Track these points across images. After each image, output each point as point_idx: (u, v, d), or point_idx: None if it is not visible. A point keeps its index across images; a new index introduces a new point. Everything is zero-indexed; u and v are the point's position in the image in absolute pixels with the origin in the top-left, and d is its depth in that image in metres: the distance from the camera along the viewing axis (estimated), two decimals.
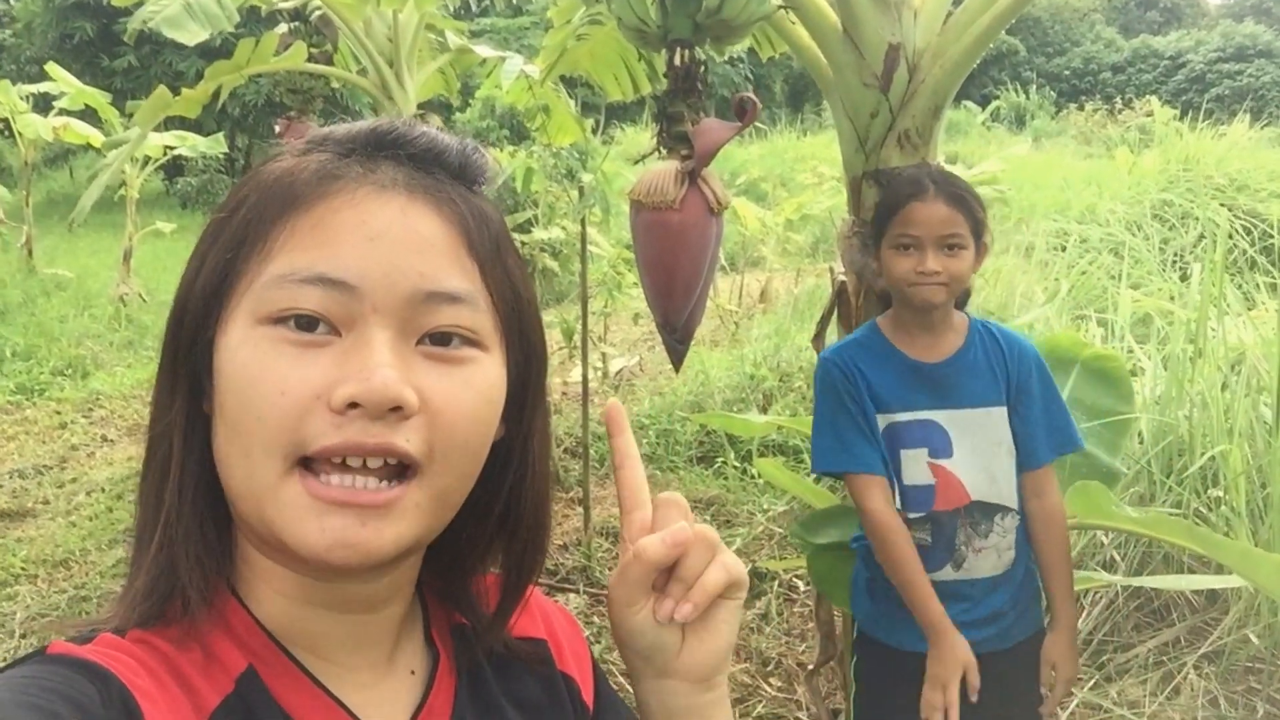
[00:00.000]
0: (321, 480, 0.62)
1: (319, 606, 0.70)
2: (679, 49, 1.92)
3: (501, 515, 0.76)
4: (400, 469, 0.64)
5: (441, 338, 0.66)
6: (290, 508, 0.62)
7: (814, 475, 2.47)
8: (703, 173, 1.90)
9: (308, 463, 0.62)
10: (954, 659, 1.89)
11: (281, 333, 0.63)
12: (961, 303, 2.08)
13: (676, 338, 1.97)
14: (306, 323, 0.63)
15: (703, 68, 1.94)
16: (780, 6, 2.23)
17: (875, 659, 2.11)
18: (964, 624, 1.95)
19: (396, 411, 0.62)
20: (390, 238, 0.65)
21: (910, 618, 1.98)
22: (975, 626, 1.96)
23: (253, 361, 0.63)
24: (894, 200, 1.94)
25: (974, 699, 1.91)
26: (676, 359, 2.01)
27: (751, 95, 1.88)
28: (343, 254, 0.63)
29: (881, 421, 1.98)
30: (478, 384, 0.67)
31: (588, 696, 0.85)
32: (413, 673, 0.76)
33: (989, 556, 1.96)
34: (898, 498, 1.98)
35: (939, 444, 1.95)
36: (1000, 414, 1.97)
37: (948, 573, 1.96)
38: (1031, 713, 2.04)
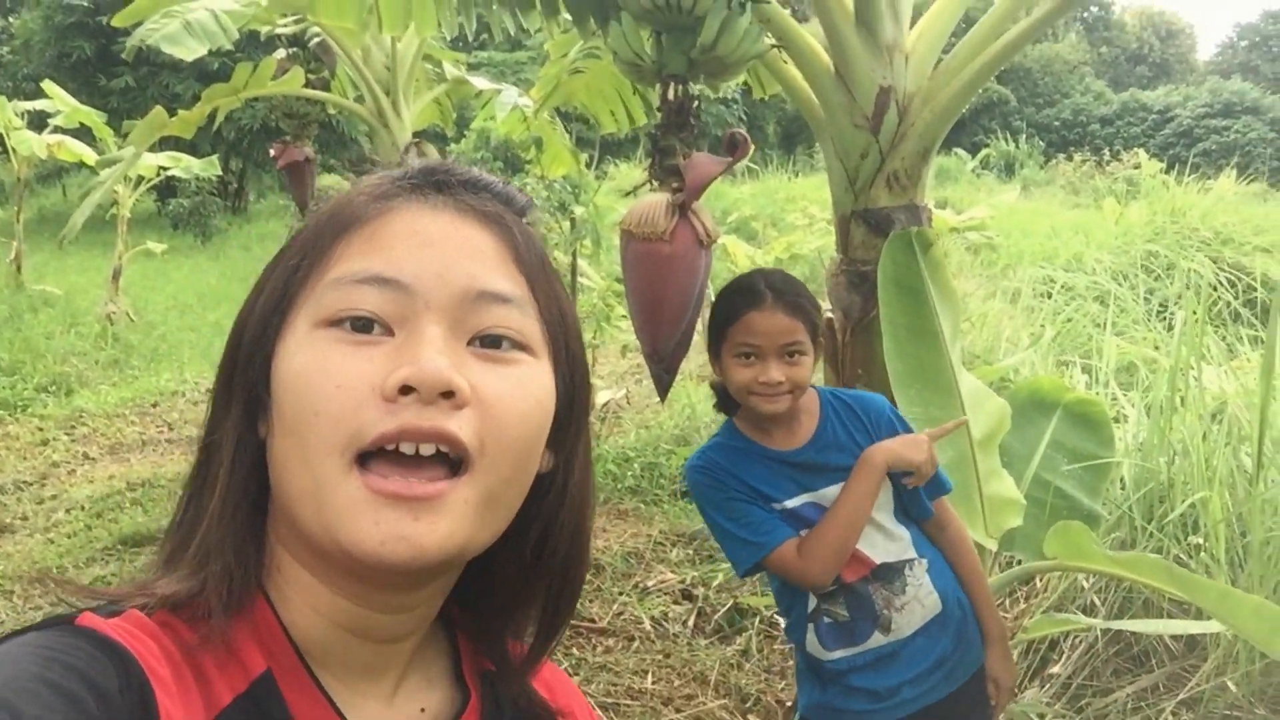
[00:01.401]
0: (378, 474, 0.63)
1: (345, 629, 0.70)
2: (673, 84, 1.95)
3: (538, 543, 0.76)
4: (452, 464, 0.65)
5: (492, 340, 0.68)
6: (348, 506, 0.63)
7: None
8: (693, 206, 1.93)
9: (365, 460, 0.63)
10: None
11: (338, 334, 0.65)
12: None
13: (663, 367, 1.98)
14: (363, 324, 0.65)
15: (696, 103, 1.97)
16: (774, 45, 2.26)
17: None
18: (913, 680, 1.94)
19: (449, 398, 0.63)
20: (441, 242, 0.68)
21: (856, 694, 1.96)
22: (923, 678, 1.95)
23: (311, 360, 0.65)
24: (731, 310, 1.89)
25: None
26: (662, 388, 2.02)
27: (743, 131, 1.92)
28: (397, 257, 0.67)
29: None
30: (528, 385, 0.69)
31: None
32: (422, 710, 0.75)
33: (914, 609, 1.95)
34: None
35: None
36: None
37: (878, 639, 1.94)
38: None
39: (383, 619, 0.71)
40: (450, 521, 0.64)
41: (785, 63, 2.53)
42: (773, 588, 2.10)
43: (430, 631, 0.77)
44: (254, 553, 0.69)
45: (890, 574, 1.95)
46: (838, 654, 1.97)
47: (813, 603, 1.99)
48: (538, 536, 0.76)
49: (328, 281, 0.67)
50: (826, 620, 1.97)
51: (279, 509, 0.69)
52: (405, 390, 0.62)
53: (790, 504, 1.95)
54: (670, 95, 1.95)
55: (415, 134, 5.72)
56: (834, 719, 2.02)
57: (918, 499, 2.01)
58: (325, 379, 0.64)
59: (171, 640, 0.64)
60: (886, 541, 1.96)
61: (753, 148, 2.01)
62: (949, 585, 2.01)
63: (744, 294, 1.90)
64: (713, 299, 2.02)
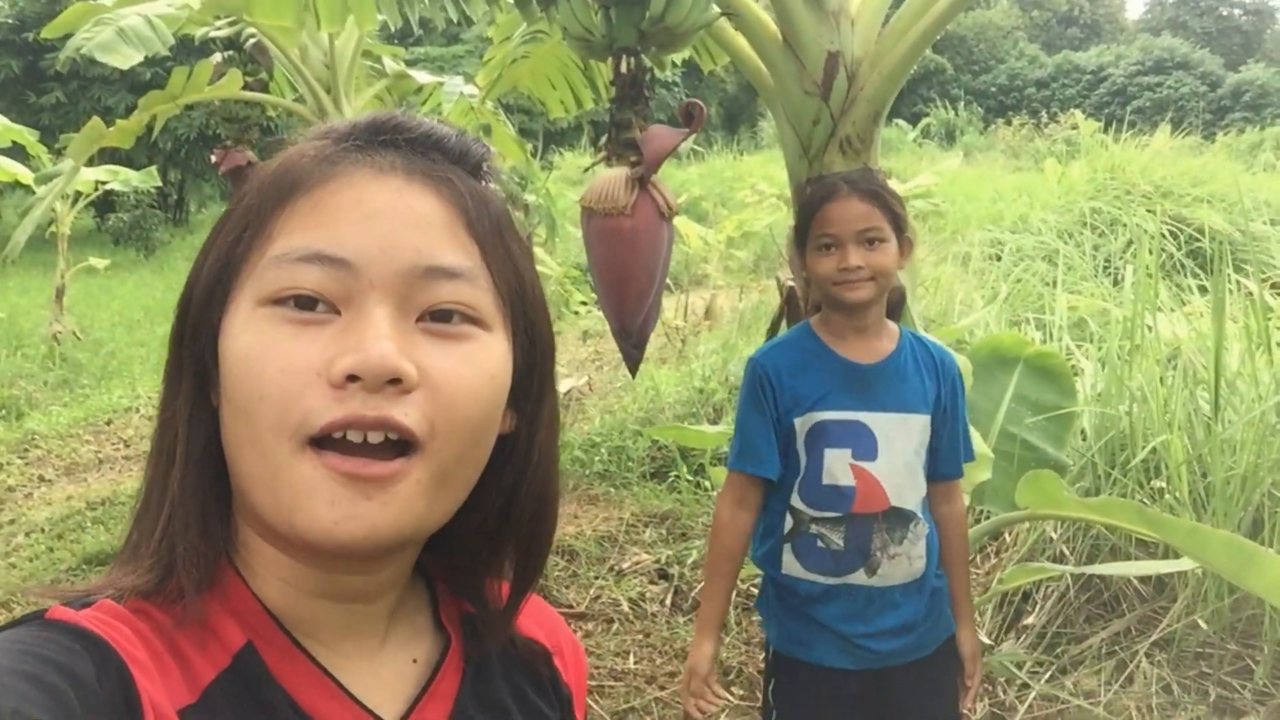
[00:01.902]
0: (332, 448, 0.62)
1: (318, 596, 0.70)
2: (625, 57, 1.94)
3: (505, 506, 0.76)
4: (402, 446, 0.63)
5: (442, 315, 0.66)
6: (303, 487, 0.62)
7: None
8: (652, 179, 1.93)
9: (317, 443, 0.62)
10: (700, 668, 2.03)
11: (282, 313, 0.63)
12: (894, 313, 2.09)
13: (632, 343, 1.98)
14: (306, 302, 0.63)
15: (649, 74, 1.97)
16: (722, 14, 2.26)
17: (791, 678, 2.06)
18: (880, 633, 1.95)
19: (395, 385, 0.62)
20: (387, 215, 0.65)
21: (824, 633, 1.97)
22: (892, 635, 1.96)
23: (255, 343, 0.63)
24: (810, 206, 1.95)
25: (694, 713, 2.05)
26: (632, 364, 2.02)
27: (699, 101, 1.91)
28: (339, 232, 0.64)
29: (809, 421, 1.95)
30: (479, 361, 0.67)
31: (579, 713, 0.86)
32: (414, 660, 0.75)
33: (901, 563, 1.95)
34: (814, 497, 1.95)
35: (864, 446, 1.93)
36: (923, 423, 1.97)
37: (860, 577, 1.94)
38: (954, 708, 2.08)
39: (353, 581, 0.70)
40: (403, 500, 0.63)
41: (733, 31, 2.53)
42: (764, 506, 2.07)
43: (410, 582, 0.77)
44: (220, 529, 0.68)
45: (899, 520, 1.95)
46: (814, 577, 1.96)
47: (789, 524, 1.99)
48: (504, 499, 0.75)
49: (270, 258, 0.64)
50: (818, 544, 1.95)
51: (238, 488, 0.68)
52: (352, 378, 0.61)
53: (830, 416, 1.94)
54: (623, 69, 1.94)
55: None
56: (803, 652, 2.00)
57: (951, 455, 2.02)
58: (269, 363, 0.62)
59: (147, 625, 0.63)
60: (911, 488, 1.95)
61: (706, 113, 2.00)
62: (933, 558, 2.03)
63: (820, 189, 1.95)
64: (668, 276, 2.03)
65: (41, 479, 5.98)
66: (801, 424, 1.97)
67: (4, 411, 7.26)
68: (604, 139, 2.01)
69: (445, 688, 0.75)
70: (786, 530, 1.99)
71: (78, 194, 9.68)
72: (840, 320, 1.98)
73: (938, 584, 2.04)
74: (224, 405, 0.65)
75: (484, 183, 0.72)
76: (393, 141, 0.69)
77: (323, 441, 0.62)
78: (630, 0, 1.92)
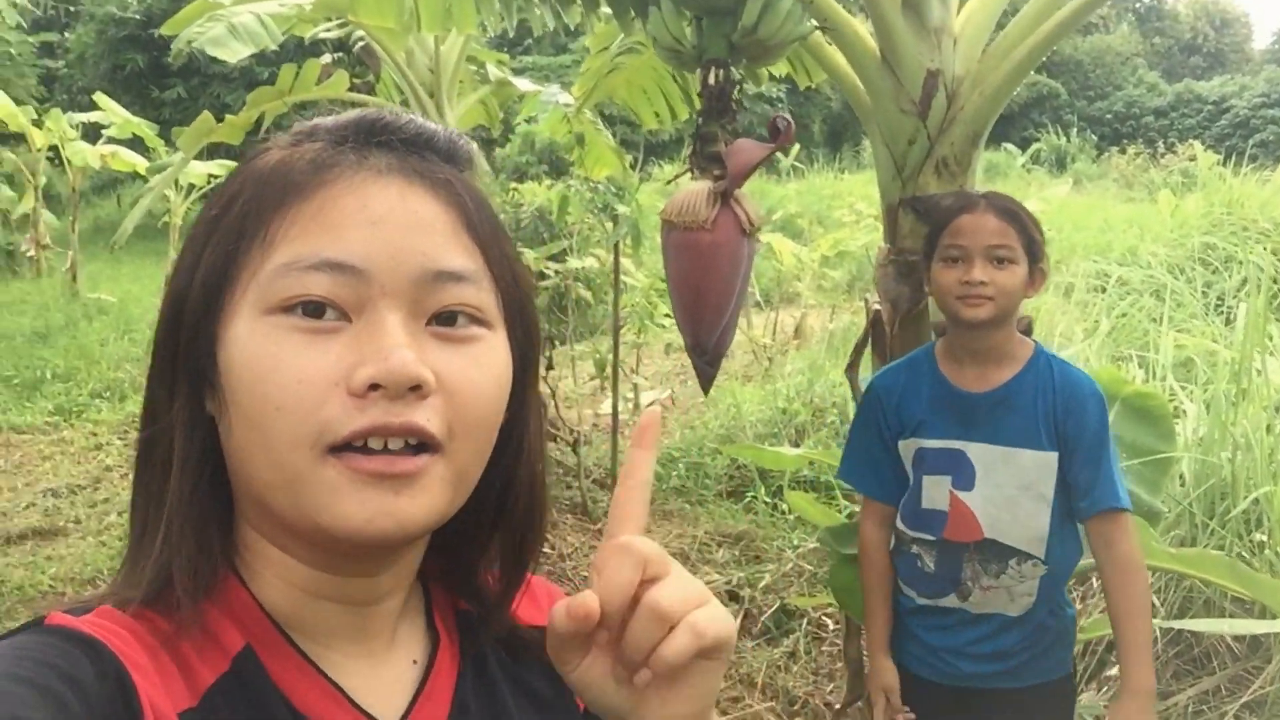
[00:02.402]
0: (358, 453, 0.62)
1: (322, 599, 0.70)
2: (714, 69, 1.91)
3: (499, 497, 0.76)
4: (421, 446, 0.64)
5: (448, 317, 0.66)
6: (329, 491, 0.62)
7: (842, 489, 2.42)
8: (735, 193, 1.89)
9: (336, 450, 0.62)
10: (875, 682, 2.02)
11: (291, 321, 0.63)
12: (1025, 334, 2.00)
13: (706, 360, 1.94)
14: (314, 309, 0.63)
15: (737, 88, 1.93)
16: (817, 27, 2.21)
17: None
18: (970, 655, 1.95)
19: (416, 390, 0.62)
20: (393, 220, 0.65)
21: (912, 640, 2.01)
22: (981, 660, 1.95)
23: (265, 353, 0.62)
24: (944, 215, 1.91)
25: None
26: (705, 381, 1.98)
27: (786, 115, 1.87)
28: (347, 238, 0.64)
29: (912, 445, 1.96)
30: (487, 363, 0.68)
31: None
32: (415, 661, 0.76)
33: (998, 596, 1.91)
34: (913, 519, 1.97)
35: (963, 475, 1.91)
36: (1035, 459, 1.87)
37: (952, 600, 1.95)
38: None
39: (358, 583, 0.71)
40: (430, 495, 0.64)
41: (829, 45, 2.47)
42: None
43: (413, 586, 0.78)
44: (218, 536, 0.68)
45: (994, 554, 1.89)
46: (910, 592, 2.00)
47: (894, 539, 2.02)
48: (498, 489, 0.76)
49: (276, 266, 0.63)
50: (916, 563, 1.97)
51: (244, 493, 0.68)
52: (374, 386, 0.61)
53: (932, 444, 1.92)
54: (711, 80, 1.91)
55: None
56: (899, 652, 2.05)
57: (1079, 495, 1.87)
58: (285, 373, 0.62)
59: (146, 629, 0.63)
60: (1015, 524, 1.88)
61: (795, 144, 1.96)
62: (1052, 603, 1.93)
63: (958, 200, 1.93)
64: (754, 282, 2.01)
65: (137, 447, 6.18)
66: (905, 448, 1.98)
67: (109, 393, 7.54)
68: (688, 151, 1.98)
69: (441, 687, 0.75)
70: (893, 544, 2.04)
71: (191, 186, 10.03)
72: (959, 341, 1.93)
73: (1050, 622, 1.95)
74: (230, 414, 0.65)
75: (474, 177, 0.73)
76: (386, 142, 0.69)
77: (342, 447, 0.62)
78: (723, 11, 1.89)
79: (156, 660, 0.62)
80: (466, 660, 0.78)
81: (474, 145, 0.74)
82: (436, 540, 0.76)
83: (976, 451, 1.89)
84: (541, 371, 0.79)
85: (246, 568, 0.70)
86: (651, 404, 6.42)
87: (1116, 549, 1.86)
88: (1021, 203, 1.92)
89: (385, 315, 0.63)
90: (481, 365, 0.67)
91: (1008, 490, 1.88)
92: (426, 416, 0.63)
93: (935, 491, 1.92)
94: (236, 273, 0.65)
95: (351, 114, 0.71)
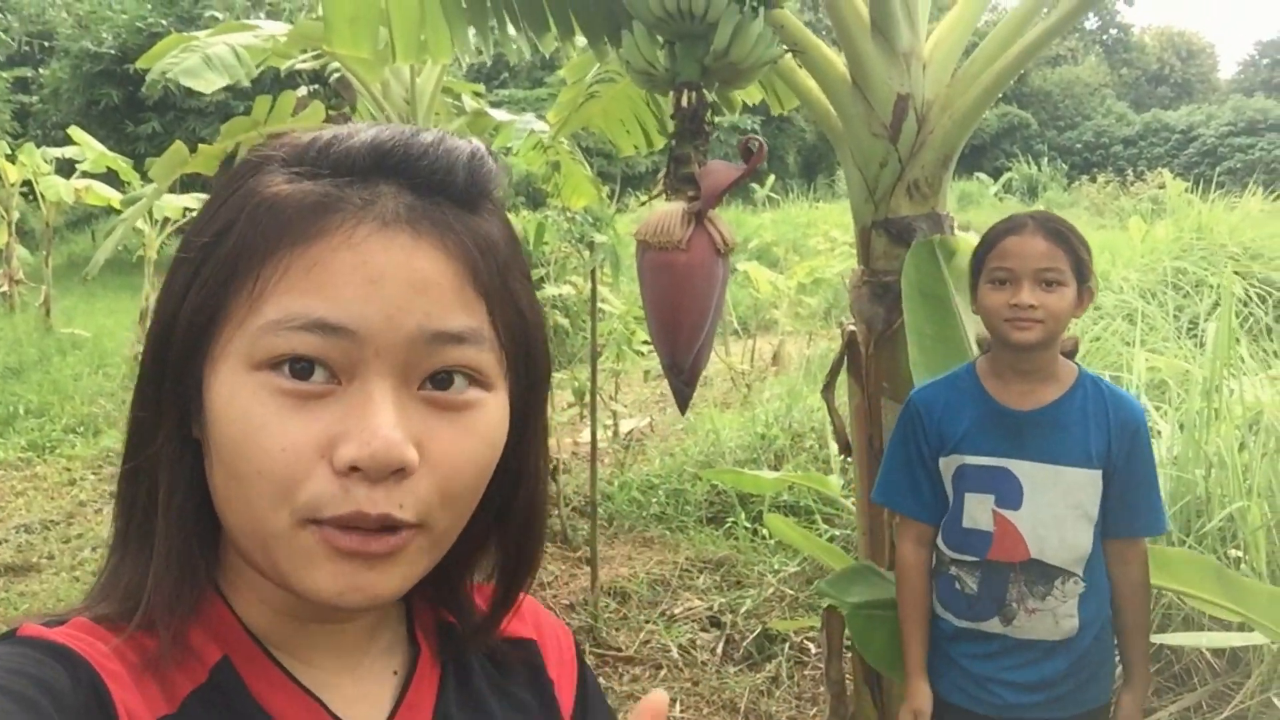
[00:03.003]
0: (330, 530, 0.62)
1: (299, 619, 0.70)
2: (686, 91, 1.93)
3: (495, 524, 0.75)
4: (404, 526, 0.63)
5: (444, 379, 0.64)
6: (304, 555, 0.61)
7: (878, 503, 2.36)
8: (709, 214, 1.90)
9: (317, 520, 0.62)
10: (909, 705, 1.98)
11: (278, 381, 0.61)
12: (1070, 354, 1.99)
13: (683, 379, 1.95)
14: (303, 369, 0.61)
15: (709, 111, 1.95)
16: (788, 50, 2.24)
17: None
18: (1012, 684, 1.91)
19: (399, 473, 0.61)
20: (392, 278, 0.62)
21: (945, 668, 1.97)
22: (1025, 690, 1.90)
23: (251, 413, 0.61)
24: (992, 237, 1.88)
25: None
26: (682, 401, 1.99)
27: (758, 137, 1.89)
28: (342, 298, 0.61)
29: (953, 463, 1.93)
30: (480, 430, 0.66)
31: (564, 699, 0.83)
32: (395, 673, 0.75)
33: (1044, 619, 1.87)
34: (954, 539, 1.93)
35: (1008, 493, 1.87)
36: (1085, 477, 1.86)
37: (995, 625, 1.90)
38: None
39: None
40: (404, 568, 0.64)
41: (800, 69, 2.50)
42: None
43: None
44: (202, 564, 0.67)
45: (1039, 574, 1.87)
46: (949, 616, 1.96)
47: (934, 561, 1.98)
48: (494, 515, 0.74)
49: (265, 324, 0.61)
50: (955, 585, 1.94)
51: (224, 526, 0.66)
52: (355, 467, 0.60)
53: (976, 461, 1.90)
54: (684, 103, 1.93)
55: None
56: (936, 680, 2.01)
57: (1119, 515, 1.89)
58: (268, 439, 0.60)
59: (123, 642, 0.63)
60: (1061, 544, 1.86)
61: (770, 174, 1.98)
62: (1094, 619, 1.92)
63: (1006, 223, 1.89)
64: (731, 309, 2.01)
65: (113, 495, 6.10)
66: (946, 465, 1.95)
67: (83, 428, 7.47)
68: (662, 174, 2.00)
69: (421, 697, 0.74)
70: (933, 566, 2.00)
71: (165, 219, 9.99)
72: (1004, 360, 1.91)
73: (1094, 648, 1.93)
74: (214, 457, 0.64)
75: (489, 212, 0.69)
76: (395, 180, 0.65)
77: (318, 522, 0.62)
78: (694, 35, 1.91)
79: (131, 669, 0.62)
80: (448, 671, 0.77)
81: (497, 165, 0.69)
82: None
83: (1023, 468, 1.86)
84: None
85: (227, 584, 0.70)
86: (630, 431, 6.40)
87: (1135, 570, 1.92)
88: (1070, 223, 1.89)
89: (374, 384, 0.61)
90: (474, 433, 0.65)
91: (1057, 509, 1.85)
92: (400, 503, 0.61)
93: (978, 510, 1.89)
94: (224, 317, 0.63)
95: (365, 135, 0.65)
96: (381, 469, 0.60)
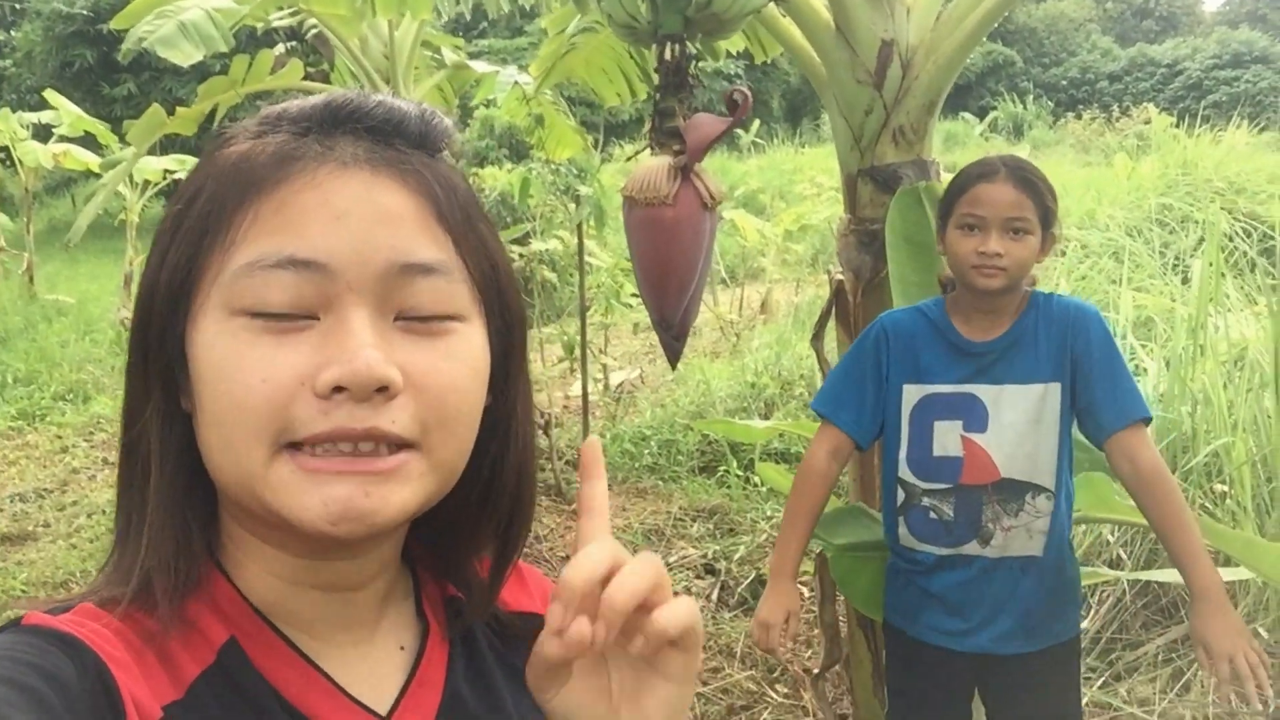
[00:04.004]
0: (314, 453, 0.61)
1: (306, 586, 0.69)
2: (670, 44, 1.92)
3: (485, 484, 0.75)
4: (397, 445, 0.63)
5: (419, 312, 0.65)
6: (286, 486, 0.61)
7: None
8: (695, 168, 1.90)
9: (294, 445, 0.61)
10: (778, 603, 1.99)
11: (258, 322, 0.61)
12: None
13: (672, 334, 1.96)
14: (282, 314, 0.62)
15: (693, 63, 1.94)
16: (771, 0, 2.22)
17: (896, 649, 2.12)
18: (990, 612, 1.95)
19: (383, 392, 0.61)
20: (357, 214, 0.63)
21: (930, 609, 2.00)
22: (1002, 617, 1.95)
23: (231, 352, 0.61)
24: (963, 181, 1.91)
25: (778, 649, 2.03)
26: (673, 355, 2.00)
27: (743, 89, 1.88)
28: (310, 234, 0.62)
29: (919, 392, 1.97)
30: (460, 354, 0.66)
31: None
32: (402, 648, 0.75)
33: (1018, 536, 1.92)
34: (925, 469, 1.97)
35: (975, 418, 1.93)
36: (1048, 391, 1.91)
37: (973, 548, 1.94)
38: (1068, 708, 2.03)
39: (341, 568, 0.70)
40: (404, 491, 0.63)
41: (784, 18, 2.48)
42: (882, 476, 2.10)
43: (397, 569, 0.77)
44: (199, 533, 0.67)
45: (1011, 492, 1.92)
46: (928, 548, 1.99)
47: (901, 496, 2.01)
48: (485, 475, 0.74)
49: (240, 266, 0.62)
50: (931, 515, 1.97)
51: (220, 488, 0.67)
52: (339, 388, 0.60)
53: (941, 389, 1.95)
54: (667, 56, 1.91)
55: None
56: (909, 625, 2.04)
57: (1098, 415, 1.88)
58: (249, 373, 0.60)
59: (128, 625, 0.63)
60: (1027, 459, 1.91)
61: (755, 120, 1.97)
62: (1061, 537, 1.96)
63: (977, 167, 1.91)
64: (719, 258, 2.02)
65: (106, 462, 6.12)
66: (911, 393, 1.98)
67: (72, 395, 7.45)
68: (648, 128, 1.99)
69: (432, 672, 0.74)
70: (899, 503, 2.02)
71: (146, 182, 9.89)
72: (967, 300, 1.96)
73: (1060, 572, 1.98)
74: (198, 412, 0.64)
75: (446, 161, 0.70)
76: (352, 129, 0.66)
77: (299, 446, 0.61)
78: None
79: (138, 655, 0.62)
80: (456, 646, 0.77)
81: (449, 122, 0.71)
82: (423, 528, 0.76)
83: (987, 392, 1.92)
84: None
85: (229, 560, 0.69)
86: (620, 383, 6.43)
87: (1142, 460, 1.85)
88: (1039, 170, 1.91)
89: (351, 313, 0.62)
90: (454, 357, 0.66)
91: (1019, 426, 1.91)
92: (392, 418, 0.62)
93: (947, 438, 1.94)
94: (201, 273, 0.64)
95: (318, 98, 0.68)
96: (364, 385, 0.60)
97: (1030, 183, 1.87)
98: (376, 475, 0.61)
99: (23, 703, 0.52)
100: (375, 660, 0.73)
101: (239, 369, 0.61)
